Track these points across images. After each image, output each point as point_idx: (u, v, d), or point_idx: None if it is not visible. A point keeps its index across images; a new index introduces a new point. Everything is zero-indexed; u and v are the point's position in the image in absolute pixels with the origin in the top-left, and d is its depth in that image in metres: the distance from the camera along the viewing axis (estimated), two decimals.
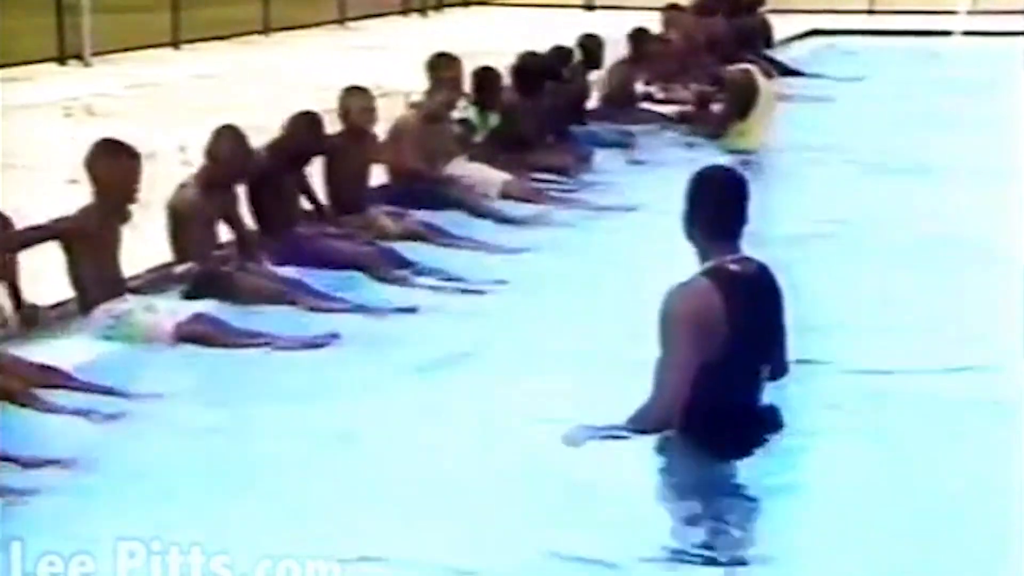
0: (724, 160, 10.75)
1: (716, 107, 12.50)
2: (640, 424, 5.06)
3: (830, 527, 4.88)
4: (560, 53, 11.81)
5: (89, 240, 6.88)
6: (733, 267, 5.04)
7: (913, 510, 5.01)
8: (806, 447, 5.31)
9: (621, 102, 12.89)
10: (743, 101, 11.33)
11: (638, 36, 13.23)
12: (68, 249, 6.88)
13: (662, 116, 12.77)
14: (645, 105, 13.19)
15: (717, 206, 5.10)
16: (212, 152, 7.61)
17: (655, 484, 5.09)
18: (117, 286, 7.06)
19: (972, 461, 5.41)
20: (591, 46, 12.36)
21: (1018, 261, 7.91)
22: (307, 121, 8.33)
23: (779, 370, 5.26)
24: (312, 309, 7.44)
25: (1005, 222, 9.06)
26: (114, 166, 6.90)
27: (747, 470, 5.10)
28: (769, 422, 5.19)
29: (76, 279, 6.96)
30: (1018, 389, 6.01)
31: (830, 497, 5.09)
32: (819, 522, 4.90)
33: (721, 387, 4.99)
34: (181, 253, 7.51)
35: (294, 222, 8.27)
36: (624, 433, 5.08)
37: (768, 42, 16.98)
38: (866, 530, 4.87)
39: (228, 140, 7.66)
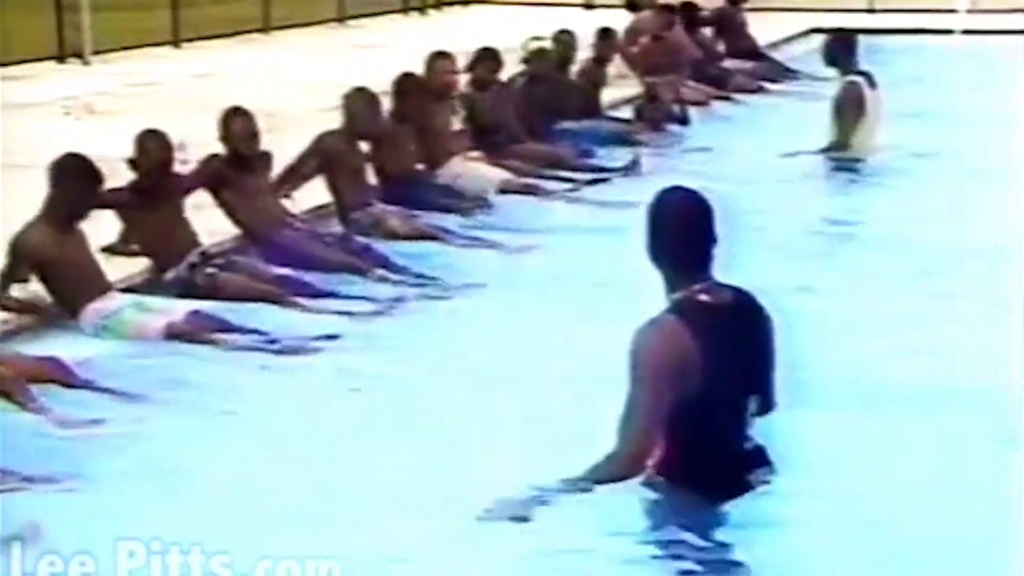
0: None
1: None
2: (602, 474, 4.64)
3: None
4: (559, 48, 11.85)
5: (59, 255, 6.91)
6: (703, 298, 4.65)
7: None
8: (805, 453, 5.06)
9: None
10: (854, 112, 11.28)
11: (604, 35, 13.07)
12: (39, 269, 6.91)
13: None
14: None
15: (679, 231, 4.70)
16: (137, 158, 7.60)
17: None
18: (101, 283, 7.08)
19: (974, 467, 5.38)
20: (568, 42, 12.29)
21: (1019, 258, 7.91)
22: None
23: (767, 404, 4.82)
24: (302, 308, 7.45)
25: (1006, 220, 9.05)
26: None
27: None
28: (755, 462, 4.77)
29: (55, 293, 6.98)
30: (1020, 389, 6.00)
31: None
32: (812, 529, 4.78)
33: (700, 427, 4.61)
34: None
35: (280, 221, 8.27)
36: (586, 486, 4.65)
37: None
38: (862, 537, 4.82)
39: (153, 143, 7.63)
